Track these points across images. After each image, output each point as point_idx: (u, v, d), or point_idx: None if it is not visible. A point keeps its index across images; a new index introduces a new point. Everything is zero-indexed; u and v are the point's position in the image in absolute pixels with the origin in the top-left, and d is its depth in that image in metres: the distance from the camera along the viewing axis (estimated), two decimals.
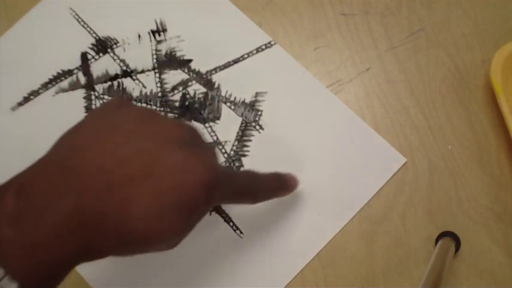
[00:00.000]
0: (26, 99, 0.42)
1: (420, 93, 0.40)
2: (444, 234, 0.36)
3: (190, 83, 0.41)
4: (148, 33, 0.42)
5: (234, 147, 0.40)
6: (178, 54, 0.42)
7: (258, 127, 0.40)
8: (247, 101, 0.40)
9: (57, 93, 0.42)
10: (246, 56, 0.41)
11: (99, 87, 0.42)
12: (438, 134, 0.39)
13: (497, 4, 0.41)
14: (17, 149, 0.40)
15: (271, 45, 0.41)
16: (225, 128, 0.40)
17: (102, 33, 0.43)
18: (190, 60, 0.41)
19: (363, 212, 0.38)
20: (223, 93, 0.41)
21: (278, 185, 0.34)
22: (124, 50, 0.42)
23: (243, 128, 0.40)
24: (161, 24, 0.42)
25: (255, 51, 0.41)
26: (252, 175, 0.32)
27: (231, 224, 0.38)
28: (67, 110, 0.41)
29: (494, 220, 0.37)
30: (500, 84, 0.37)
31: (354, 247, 0.38)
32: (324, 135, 0.39)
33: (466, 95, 0.40)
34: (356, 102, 0.40)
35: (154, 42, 0.42)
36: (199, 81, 0.41)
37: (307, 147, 0.39)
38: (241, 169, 0.39)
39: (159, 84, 0.41)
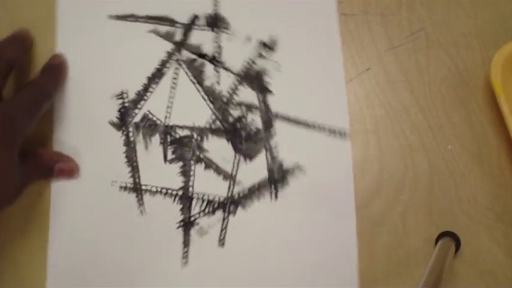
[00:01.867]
0: (123, 17, 0.41)
1: (420, 93, 0.40)
2: (444, 234, 0.36)
3: (254, 110, 0.40)
4: (259, 41, 0.41)
5: (241, 195, 0.39)
6: (265, 78, 0.40)
7: (272, 195, 0.39)
8: (285, 167, 0.39)
9: (151, 31, 0.41)
10: (317, 127, 0.39)
11: (184, 54, 0.41)
12: (438, 134, 0.39)
13: (497, 4, 0.41)
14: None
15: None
16: (248, 172, 0.39)
17: (223, 11, 0.41)
18: (270, 92, 0.40)
19: (363, 212, 0.38)
20: (272, 143, 0.39)
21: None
22: (228, 39, 0.41)
23: (260, 184, 0.39)
24: (273, 42, 0.41)
25: (329, 133, 0.39)
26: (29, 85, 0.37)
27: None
28: (145, 52, 0.41)
29: (494, 220, 0.37)
30: (500, 84, 0.37)
31: None
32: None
33: (466, 95, 0.40)
34: (356, 102, 0.40)
35: (256, 52, 0.41)
36: (263, 116, 0.40)
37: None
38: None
39: (230, 91, 0.40)
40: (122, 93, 0.41)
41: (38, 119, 0.36)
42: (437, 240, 0.37)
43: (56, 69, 0.39)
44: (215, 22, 0.41)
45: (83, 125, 0.40)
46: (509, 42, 0.38)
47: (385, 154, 0.39)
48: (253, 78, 0.40)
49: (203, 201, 0.39)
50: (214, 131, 0.40)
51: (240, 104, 0.40)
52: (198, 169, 0.39)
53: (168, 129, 0.40)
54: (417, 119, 0.39)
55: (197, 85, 0.40)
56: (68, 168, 0.38)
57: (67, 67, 0.40)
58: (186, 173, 0.39)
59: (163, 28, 0.41)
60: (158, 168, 0.39)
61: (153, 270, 0.38)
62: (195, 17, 0.41)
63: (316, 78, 0.40)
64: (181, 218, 0.38)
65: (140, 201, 0.39)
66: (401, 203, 0.38)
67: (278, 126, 0.39)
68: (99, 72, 0.41)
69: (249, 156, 0.39)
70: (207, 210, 0.39)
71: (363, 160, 0.39)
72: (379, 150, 0.39)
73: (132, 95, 0.41)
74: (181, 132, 0.40)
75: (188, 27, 0.41)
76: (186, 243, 0.38)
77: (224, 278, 0.38)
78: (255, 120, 0.40)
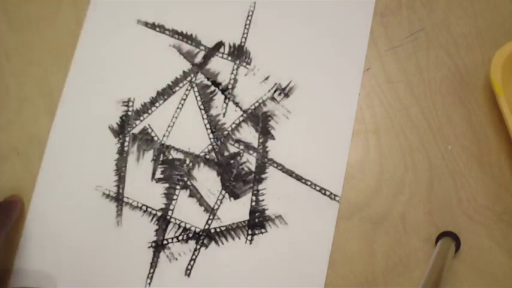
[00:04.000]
0: (151, 25, 0.42)
1: (420, 93, 0.40)
2: (444, 234, 0.36)
3: (251, 151, 0.40)
4: (276, 83, 0.40)
5: (217, 230, 0.39)
6: (271, 122, 0.40)
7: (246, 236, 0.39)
8: (267, 214, 0.39)
9: (174, 46, 0.41)
10: (309, 184, 0.39)
11: (199, 77, 0.41)
12: (438, 134, 0.39)
13: (497, 4, 0.41)
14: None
15: None
16: (230, 210, 0.39)
17: (249, 45, 0.41)
18: (272, 137, 0.40)
19: (363, 212, 0.38)
20: (260, 187, 0.39)
21: None
22: (245, 74, 0.41)
23: (239, 225, 0.39)
24: (290, 88, 0.40)
25: (320, 193, 0.39)
26: None
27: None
28: (162, 65, 0.41)
29: (494, 220, 0.37)
30: (500, 84, 0.37)
31: (354, 247, 0.38)
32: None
33: (466, 95, 0.40)
34: (356, 102, 0.40)
35: (270, 94, 0.40)
36: (258, 159, 0.39)
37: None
38: None
39: (233, 126, 0.40)
40: (129, 100, 0.41)
41: None
42: (437, 240, 0.37)
43: (10, 208, 0.37)
44: (238, 54, 0.41)
45: (83, 122, 0.41)
46: (509, 42, 0.37)
47: (385, 154, 0.39)
48: (259, 119, 0.40)
49: (179, 227, 0.39)
50: (207, 161, 0.40)
51: (239, 141, 0.40)
52: (182, 195, 0.39)
53: (163, 148, 0.40)
54: (417, 119, 0.39)
55: (203, 112, 0.40)
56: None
57: (19, 206, 0.38)
58: (169, 195, 0.39)
59: (186, 46, 0.41)
60: (144, 184, 0.39)
61: (116, 282, 0.38)
62: (220, 44, 0.41)
63: (321, 135, 0.39)
64: (154, 238, 0.39)
65: (119, 212, 0.39)
66: (401, 203, 0.38)
67: (271, 172, 0.39)
68: (112, 74, 0.41)
69: (235, 195, 0.39)
70: (181, 237, 0.39)
71: (363, 160, 0.39)
72: (379, 150, 0.39)
73: (137, 105, 0.41)
74: (175, 155, 0.40)
75: (211, 52, 0.41)
76: (153, 264, 0.38)
77: None
78: (249, 161, 0.39)
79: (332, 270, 0.37)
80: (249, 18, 0.41)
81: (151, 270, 0.38)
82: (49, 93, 0.42)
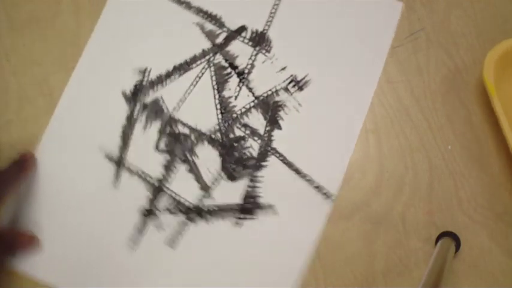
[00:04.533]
0: (178, 1, 0.42)
1: (420, 93, 0.40)
2: (444, 234, 0.36)
3: (256, 138, 0.40)
4: (292, 75, 0.40)
5: (209, 209, 0.39)
6: (281, 113, 0.40)
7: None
8: (260, 201, 0.39)
9: (197, 24, 0.42)
10: (307, 179, 0.39)
11: (218, 58, 0.41)
12: (438, 134, 0.39)
13: (497, 4, 0.41)
14: None
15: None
16: (225, 191, 0.39)
17: (271, 33, 0.41)
18: (279, 127, 0.40)
19: (362, 212, 0.38)
20: (258, 174, 0.39)
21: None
22: (263, 61, 0.41)
23: (231, 207, 0.39)
24: (304, 82, 0.40)
25: (316, 190, 0.39)
26: None
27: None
28: (183, 41, 0.42)
29: (494, 220, 0.37)
30: (494, 84, 0.36)
31: (354, 247, 0.38)
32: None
33: (466, 95, 0.40)
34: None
35: (284, 85, 0.40)
36: (261, 147, 0.40)
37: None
38: None
39: (243, 110, 0.40)
40: (145, 70, 0.41)
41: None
42: (437, 240, 0.37)
43: (24, 164, 0.39)
44: (259, 40, 0.41)
45: (99, 84, 0.41)
46: (501, 43, 0.37)
47: (385, 154, 0.39)
48: (269, 107, 0.40)
49: (173, 199, 0.39)
50: (212, 141, 0.40)
51: (246, 126, 0.40)
52: (181, 169, 0.40)
53: (171, 121, 0.40)
54: (417, 119, 0.39)
55: (216, 92, 0.41)
56: (29, 242, 0.38)
57: (35, 165, 0.40)
58: (169, 167, 0.40)
59: (209, 26, 0.41)
60: (146, 152, 0.40)
61: (103, 241, 0.39)
62: (243, 28, 0.41)
63: (328, 134, 0.39)
64: (146, 206, 0.39)
65: (117, 175, 0.40)
66: (401, 203, 0.38)
67: (272, 161, 0.39)
68: (133, 42, 0.42)
69: (232, 177, 0.39)
70: (172, 209, 0.39)
71: (363, 160, 0.39)
72: (379, 150, 0.39)
73: (153, 76, 0.41)
74: (182, 129, 0.40)
75: (233, 35, 0.42)
76: (141, 230, 0.39)
77: (163, 276, 0.38)
78: (253, 147, 0.40)
79: (332, 270, 0.37)
80: (275, 6, 0.41)
81: (137, 235, 0.39)
82: (49, 93, 0.42)
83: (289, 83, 0.40)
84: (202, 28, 0.42)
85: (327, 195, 0.38)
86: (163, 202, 0.39)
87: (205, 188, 0.39)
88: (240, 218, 0.39)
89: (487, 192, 0.38)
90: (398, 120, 0.39)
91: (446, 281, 0.31)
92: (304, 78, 0.40)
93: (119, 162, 0.40)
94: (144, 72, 0.41)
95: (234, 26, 0.42)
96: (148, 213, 0.39)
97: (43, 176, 0.40)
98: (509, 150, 0.36)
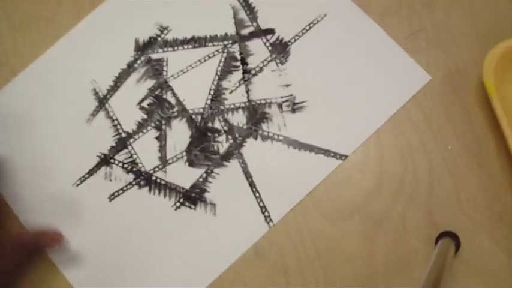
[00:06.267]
0: None
1: (420, 93, 0.40)
2: (444, 234, 0.36)
3: (229, 137, 0.40)
4: (290, 96, 0.40)
5: (159, 180, 0.40)
6: (263, 125, 0.40)
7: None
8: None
9: (233, 7, 0.42)
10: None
11: (235, 47, 0.41)
12: (438, 134, 0.39)
13: (497, 4, 0.41)
14: None
15: None
16: (174, 169, 0.40)
17: (295, 47, 0.41)
18: (255, 136, 0.40)
19: (362, 212, 0.38)
20: (215, 171, 0.40)
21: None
22: (272, 70, 0.41)
23: (177, 188, 0.40)
24: (300, 107, 0.40)
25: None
26: None
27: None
28: (209, 15, 0.42)
29: (494, 220, 0.37)
30: (494, 85, 0.36)
31: (354, 247, 0.38)
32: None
33: (466, 95, 0.40)
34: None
35: (280, 101, 0.40)
36: (230, 147, 0.40)
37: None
38: None
39: (232, 106, 0.40)
40: (166, 28, 0.42)
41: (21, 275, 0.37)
42: (437, 240, 0.37)
43: (52, 240, 0.38)
44: (279, 49, 0.41)
45: (117, 25, 0.43)
46: (500, 43, 0.37)
47: (385, 154, 0.39)
48: (256, 115, 0.40)
49: (131, 157, 0.40)
50: (190, 121, 0.40)
51: (226, 121, 0.40)
52: (151, 133, 0.41)
53: (163, 85, 0.41)
54: (417, 119, 0.39)
55: (216, 78, 0.41)
56: (52, 240, 0.38)
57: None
58: (141, 126, 0.41)
59: (243, 14, 0.42)
60: (129, 104, 0.41)
61: (57, 168, 0.40)
62: (271, 31, 0.42)
63: (296, 164, 0.39)
64: (105, 151, 0.40)
65: (94, 113, 0.41)
66: (401, 203, 0.38)
67: (233, 164, 0.40)
68: None
69: (191, 162, 0.40)
70: (126, 166, 0.40)
71: (363, 160, 0.39)
72: (379, 150, 0.39)
73: (169, 37, 0.42)
74: (169, 97, 0.41)
75: (258, 33, 0.42)
76: (91, 172, 0.40)
77: (90, 220, 0.39)
78: (223, 143, 0.40)
79: (332, 270, 0.37)
80: (311, 25, 0.41)
81: (86, 175, 0.40)
82: None
83: (286, 101, 0.40)
84: (235, 13, 0.42)
85: (267, 219, 0.38)
86: (121, 156, 0.40)
87: (163, 160, 0.40)
88: (180, 202, 0.39)
89: (487, 192, 0.38)
90: (399, 120, 0.39)
91: (446, 281, 0.31)
92: (301, 102, 0.40)
93: (101, 101, 0.41)
94: (163, 29, 0.42)
95: (264, 25, 0.42)
96: (104, 159, 0.40)
97: (22, 101, 0.41)
98: (509, 150, 0.36)
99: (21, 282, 0.37)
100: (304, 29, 0.41)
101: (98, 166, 0.40)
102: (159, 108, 0.41)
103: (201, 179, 0.39)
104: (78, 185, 0.40)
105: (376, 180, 0.39)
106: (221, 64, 0.41)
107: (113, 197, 0.39)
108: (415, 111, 0.39)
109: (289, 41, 0.41)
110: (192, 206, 0.39)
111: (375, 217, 0.38)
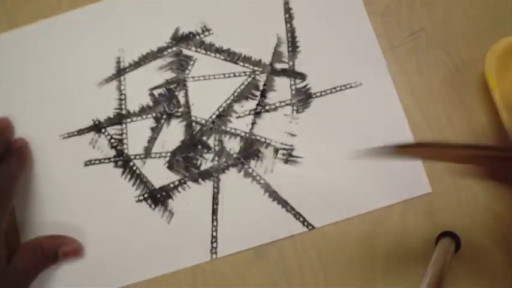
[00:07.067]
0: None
1: (420, 93, 0.40)
2: (444, 234, 0.36)
3: (216, 158, 0.40)
4: (289, 145, 0.39)
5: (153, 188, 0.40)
6: (251, 162, 0.39)
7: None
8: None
9: (278, 38, 0.41)
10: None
11: (261, 77, 0.41)
12: (438, 134, 0.39)
13: (497, 4, 0.41)
14: None
15: None
16: (153, 165, 0.40)
17: (317, 101, 0.40)
18: (239, 168, 0.39)
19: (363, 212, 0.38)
20: (188, 184, 0.39)
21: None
22: (285, 114, 0.40)
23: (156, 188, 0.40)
24: (293, 160, 0.39)
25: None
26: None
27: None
28: (256, 34, 0.42)
29: (494, 220, 0.37)
30: (495, 80, 0.36)
31: (354, 247, 0.38)
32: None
33: (466, 95, 0.40)
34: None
35: (278, 146, 0.39)
36: (211, 169, 0.39)
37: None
38: None
39: (232, 131, 0.40)
40: (209, 30, 0.42)
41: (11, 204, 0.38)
42: (437, 240, 0.36)
43: (21, 153, 0.40)
44: (302, 98, 0.40)
45: (163, 13, 0.43)
46: (502, 39, 0.37)
47: None
48: (250, 149, 0.40)
49: (120, 135, 0.41)
50: (188, 127, 0.40)
51: (220, 142, 0.40)
52: (148, 122, 0.41)
53: (181, 84, 0.41)
54: (417, 119, 0.39)
55: (231, 98, 0.41)
56: (72, 250, 0.38)
57: (29, 149, 0.41)
58: (142, 111, 0.41)
59: (284, 48, 0.41)
60: (142, 86, 0.42)
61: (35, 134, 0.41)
62: (303, 76, 0.40)
63: (260, 213, 0.38)
64: (102, 120, 0.41)
65: (108, 79, 0.42)
66: (401, 203, 0.38)
67: (206, 185, 0.39)
68: None
69: (171, 166, 0.40)
70: (112, 141, 0.41)
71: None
72: None
73: (210, 39, 0.42)
74: (180, 96, 0.41)
75: (291, 74, 0.41)
76: (80, 132, 0.41)
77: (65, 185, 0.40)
78: (207, 162, 0.40)
79: (332, 270, 0.37)
80: (342, 87, 0.40)
81: (75, 133, 0.41)
82: None
83: (284, 149, 0.39)
84: (277, 45, 0.41)
85: (213, 250, 0.38)
86: (113, 130, 0.41)
87: (147, 151, 0.40)
88: (143, 197, 0.39)
89: (487, 192, 0.38)
90: None
91: (446, 281, 0.31)
92: (297, 157, 0.39)
93: (119, 72, 0.42)
94: (205, 30, 0.42)
95: (299, 68, 0.41)
96: (97, 126, 0.41)
97: (28, 81, 0.42)
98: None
99: None
100: (334, 88, 0.40)
101: (88, 129, 0.41)
102: (167, 102, 0.41)
103: (172, 185, 0.39)
104: (64, 138, 0.41)
105: None
106: (242, 87, 0.41)
107: (89, 163, 0.40)
108: (414, 110, 0.39)
109: (314, 94, 0.40)
110: (152, 206, 0.39)
111: (375, 217, 0.38)
